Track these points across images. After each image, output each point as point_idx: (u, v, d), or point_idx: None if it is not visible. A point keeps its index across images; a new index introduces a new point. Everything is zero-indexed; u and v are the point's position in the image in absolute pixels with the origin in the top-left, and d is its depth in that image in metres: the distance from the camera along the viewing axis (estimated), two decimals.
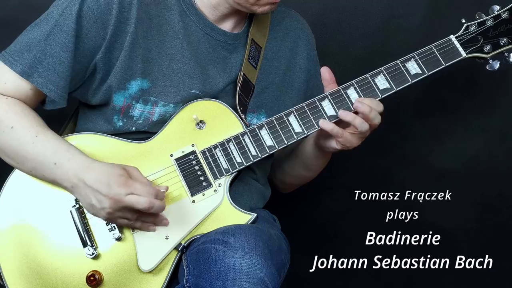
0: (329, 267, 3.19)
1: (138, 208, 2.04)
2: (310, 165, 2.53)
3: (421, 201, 3.13)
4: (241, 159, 2.24)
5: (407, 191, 3.14)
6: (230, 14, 2.35)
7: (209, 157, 2.24)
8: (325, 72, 2.29)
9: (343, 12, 3.06)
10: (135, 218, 2.13)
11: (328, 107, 2.25)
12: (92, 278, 2.16)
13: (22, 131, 2.17)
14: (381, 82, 2.26)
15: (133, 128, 2.26)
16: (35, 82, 2.18)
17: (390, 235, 3.15)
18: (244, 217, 2.21)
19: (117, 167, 2.11)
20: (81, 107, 2.40)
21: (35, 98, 2.24)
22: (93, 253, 2.18)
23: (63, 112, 2.34)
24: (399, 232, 3.16)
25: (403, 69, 2.26)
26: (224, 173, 2.23)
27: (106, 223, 2.19)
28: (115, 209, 2.07)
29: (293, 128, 2.25)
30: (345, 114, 2.22)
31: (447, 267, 3.16)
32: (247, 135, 2.25)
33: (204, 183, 2.23)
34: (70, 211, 2.20)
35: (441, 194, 3.12)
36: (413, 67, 2.26)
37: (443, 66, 2.27)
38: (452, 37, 2.30)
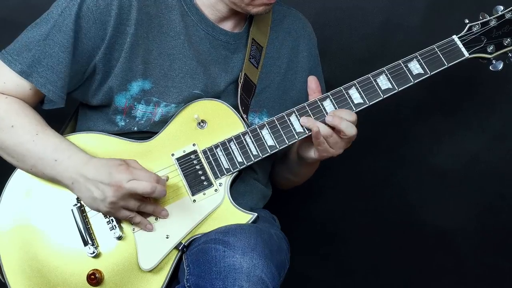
0: (329, 267, 3.20)
1: (140, 193, 2.05)
2: (295, 171, 2.55)
3: (421, 201, 3.14)
4: (242, 158, 2.24)
5: (407, 191, 3.14)
6: (228, 15, 2.35)
7: (210, 156, 2.24)
8: (312, 81, 2.30)
9: (343, 12, 3.06)
10: (137, 207, 2.13)
11: (329, 107, 2.24)
12: (92, 276, 2.17)
13: (22, 130, 2.18)
14: (383, 82, 2.25)
15: (135, 128, 2.27)
16: (34, 82, 2.18)
17: (390, 235, 3.16)
18: (244, 217, 2.21)
19: (116, 159, 2.14)
20: (81, 107, 2.41)
21: (35, 97, 2.25)
22: (94, 252, 2.18)
23: (64, 111, 2.34)
24: (399, 232, 3.16)
25: (405, 69, 2.26)
26: (225, 172, 2.23)
27: (107, 222, 2.19)
28: (118, 198, 2.08)
29: (294, 128, 2.24)
30: (306, 121, 2.22)
31: (447, 266, 3.17)
32: (248, 134, 2.25)
33: (205, 183, 2.23)
34: (71, 210, 2.21)
35: (441, 194, 3.12)
36: (415, 67, 2.26)
37: (446, 67, 2.27)
38: (455, 37, 2.29)
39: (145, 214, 2.18)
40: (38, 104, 2.29)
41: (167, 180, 2.19)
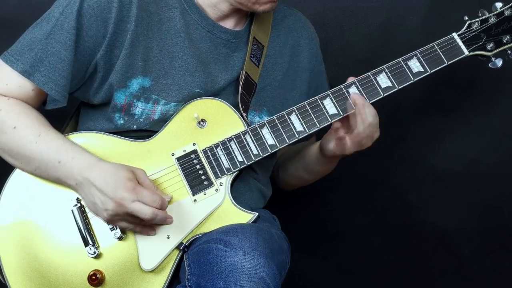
0: (329, 267, 3.20)
1: (141, 217, 2.04)
2: (312, 169, 2.54)
3: (421, 201, 3.14)
4: (242, 158, 2.24)
5: (407, 191, 3.14)
6: (230, 13, 2.35)
7: (210, 156, 2.24)
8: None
9: (343, 12, 3.06)
10: (136, 223, 2.13)
11: (329, 105, 2.25)
12: (93, 277, 2.16)
13: (24, 131, 2.18)
14: (383, 80, 2.26)
15: (134, 127, 2.26)
16: (36, 81, 2.18)
17: (390, 235, 3.16)
18: (245, 217, 2.21)
19: (125, 169, 2.12)
20: (82, 106, 2.40)
21: (37, 98, 2.25)
22: (94, 252, 2.18)
23: (65, 111, 2.34)
24: (399, 232, 3.16)
25: (405, 67, 2.26)
26: (226, 172, 2.23)
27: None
28: (117, 213, 2.07)
29: (294, 127, 2.25)
30: (357, 97, 2.23)
31: (447, 267, 3.17)
32: (249, 134, 2.25)
33: (205, 182, 2.23)
34: (72, 210, 2.20)
35: (442, 194, 3.12)
36: (415, 65, 2.26)
37: (446, 64, 2.27)
38: (455, 35, 2.30)
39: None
40: (41, 105, 2.28)
41: (171, 199, 2.18)
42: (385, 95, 2.25)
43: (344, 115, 2.25)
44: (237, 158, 2.24)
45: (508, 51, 2.31)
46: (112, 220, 2.13)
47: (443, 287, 3.23)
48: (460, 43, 2.29)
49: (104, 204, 2.08)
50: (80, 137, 2.27)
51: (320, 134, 2.39)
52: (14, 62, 2.19)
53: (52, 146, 2.17)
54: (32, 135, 2.17)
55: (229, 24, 2.37)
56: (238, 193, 2.30)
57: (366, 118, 2.21)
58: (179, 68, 2.26)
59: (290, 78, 2.48)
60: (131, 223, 2.14)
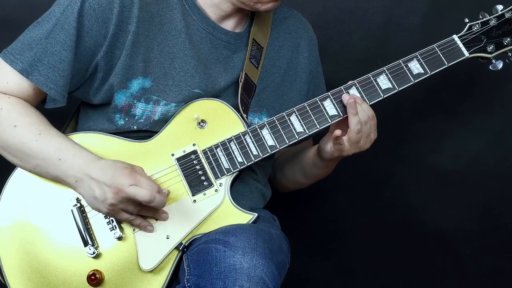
0: (329, 267, 3.19)
1: (139, 200, 2.04)
2: (308, 173, 2.54)
3: (421, 201, 3.14)
4: (242, 158, 2.24)
5: (407, 191, 3.14)
6: (232, 13, 2.35)
7: (210, 156, 2.24)
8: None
9: (343, 12, 3.06)
10: (136, 211, 2.13)
11: (330, 107, 2.25)
12: (93, 277, 2.17)
13: (25, 130, 2.18)
14: (383, 82, 2.26)
15: (135, 127, 2.26)
16: (35, 80, 2.18)
17: (390, 235, 3.15)
18: (245, 217, 2.21)
19: (122, 162, 2.13)
20: (82, 106, 2.41)
21: (37, 96, 2.25)
22: (94, 252, 2.18)
23: (65, 111, 2.34)
24: (399, 232, 3.16)
25: (405, 69, 2.26)
26: (225, 172, 2.23)
27: (107, 222, 2.19)
28: (118, 200, 2.07)
29: (294, 128, 2.25)
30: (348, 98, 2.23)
31: (447, 267, 3.17)
32: (249, 134, 2.25)
33: (205, 183, 2.22)
34: (71, 210, 2.20)
35: (442, 195, 3.12)
36: (415, 67, 2.26)
37: (446, 66, 2.27)
38: (455, 36, 2.30)
39: (145, 216, 2.18)
40: (41, 104, 2.28)
41: (168, 194, 2.18)
42: (385, 96, 2.25)
43: (344, 116, 2.25)
44: (236, 159, 2.24)
45: (509, 53, 2.31)
46: (114, 211, 2.12)
47: (443, 287, 3.22)
48: (461, 45, 2.29)
49: (104, 194, 2.08)
50: (80, 137, 2.27)
51: (318, 137, 2.39)
52: (14, 61, 2.19)
53: (53, 144, 2.18)
54: (33, 133, 2.18)
55: (229, 25, 2.36)
56: (237, 193, 2.30)
57: (358, 114, 2.21)
58: (180, 69, 2.26)
59: (289, 79, 2.48)
60: (132, 213, 2.13)
